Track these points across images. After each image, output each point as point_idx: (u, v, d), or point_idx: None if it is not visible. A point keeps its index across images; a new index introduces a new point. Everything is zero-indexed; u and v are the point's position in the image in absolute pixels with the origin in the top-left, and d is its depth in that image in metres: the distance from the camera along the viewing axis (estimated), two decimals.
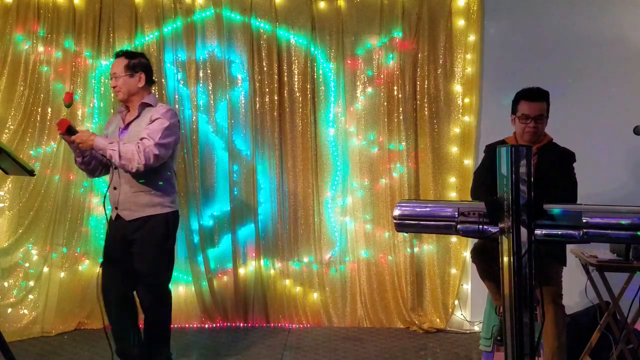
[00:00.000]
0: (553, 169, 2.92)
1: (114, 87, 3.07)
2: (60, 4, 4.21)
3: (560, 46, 4.10)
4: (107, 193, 3.09)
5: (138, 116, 3.04)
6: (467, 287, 4.27)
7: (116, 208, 3.04)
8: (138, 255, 3.01)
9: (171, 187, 3.10)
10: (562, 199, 2.76)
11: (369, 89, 4.28)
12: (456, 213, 1.84)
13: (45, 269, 4.14)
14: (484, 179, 2.99)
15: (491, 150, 3.12)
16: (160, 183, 3.02)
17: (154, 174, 2.98)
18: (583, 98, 4.05)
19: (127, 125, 3.06)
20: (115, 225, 3.04)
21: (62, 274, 4.17)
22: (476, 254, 3.07)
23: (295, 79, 4.27)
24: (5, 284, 4.08)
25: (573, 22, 4.09)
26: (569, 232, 1.70)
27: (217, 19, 4.24)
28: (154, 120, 2.95)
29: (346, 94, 4.27)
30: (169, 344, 3.24)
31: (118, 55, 3.10)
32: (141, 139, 2.88)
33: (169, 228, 3.06)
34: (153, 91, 3.22)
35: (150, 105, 3.06)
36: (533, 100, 2.97)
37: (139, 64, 3.07)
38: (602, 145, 4.00)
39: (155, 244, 3.02)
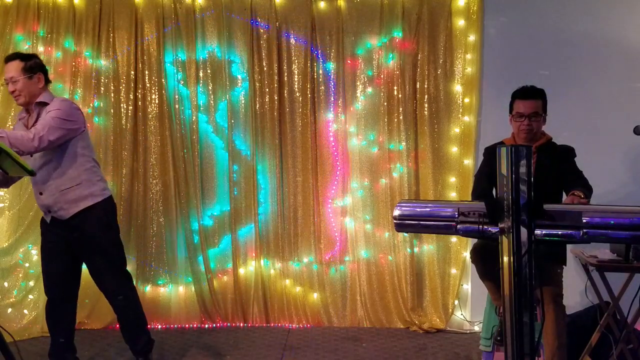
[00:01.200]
0: (554, 167, 2.93)
1: (12, 92, 2.95)
2: (60, 4, 4.21)
3: (560, 46, 4.10)
4: (36, 201, 3.04)
5: (38, 118, 2.96)
6: (467, 287, 4.27)
7: (49, 211, 3.02)
8: (88, 248, 3.05)
9: (96, 177, 3.09)
10: (585, 185, 2.78)
11: (369, 89, 4.28)
12: (456, 213, 1.84)
13: None
14: (484, 185, 3.00)
15: (490, 153, 3.13)
16: (84, 176, 3.01)
17: (74, 169, 2.97)
18: (583, 98, 4.05)
19: (33, 125, 2.93)
20: (53, 227, 3.03)
21: None
22: (476, 254, 3.07)
23: (295, 79, 4.27)
24: (5, 284, 4.08)
25: (573, 22, 4.09)
26: (569, 232, 1.70)
27: (217, 19, 4.24)
28: (46, 115, 2.89)
29: (346, 94, 4.27)
30: (147, 329, 3.30)
31: (10, 58, 2.98)
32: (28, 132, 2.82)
33: (107, 214, 3.10)
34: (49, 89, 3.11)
35: (46, 104, 2.98)
36: (526, 98, 2.98)
37: (35, 64, 3.00)
38: (602, 145, 4.00)
39: (100, 232, 3.06)
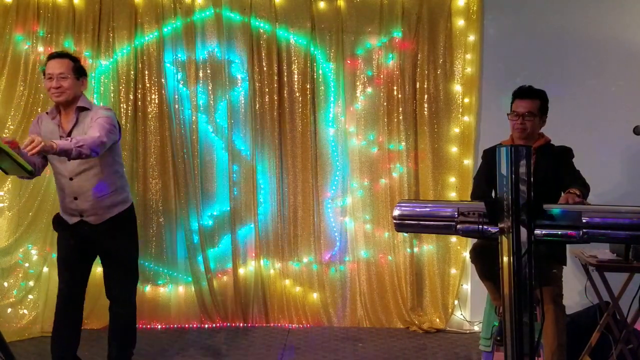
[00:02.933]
0: (553, 169, 2.93)
1: (56, 88, 2.89)
2: (60, 4, 4.21)
3: (560, 46, 4.10)
4: (62, 204, 3.03)
5: (77, 122, 2.96)
6: (467, 287, 4.27)
7: (81, 215, 3.01)
8: (111, 254, 3.12)
9: (126, 183, 3.20)
10: (583, 184, 2.78)
11: (369, 89, 4.28)
12: (456, 213, 1.83)
13: (45, 269, 4.15)
14: (484, 187, 3.00)
15: (489, 155, 3.13)
16: (118, 183, 3.08)
17: (110, 176, 3.02)
18: (583, 98, 4.05)
19: (69, 133, 2.94)
20: (76, 229, 3.03)
21: None
22: (475, 254, 3.07)
23: (295, 79, 4.27)
24: (5, 284, 4.08)
25: (573, 22, 4.09)
26: (569, 232, 1.70)
27: (217, 19, 4.24)
28: (97, 119, 2.89)
29: (346, 94, 4.27)
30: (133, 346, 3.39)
31: (61, 55, 2.97)
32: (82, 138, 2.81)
33: (132, 222, 3.22)
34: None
35: (87, 109, 2.98)
36: (523, 97, 3.01)
37: (82, 68, 3.03)
38: (601, 145, 4.00)
39: (127, 237, 3.18)
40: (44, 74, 2.96)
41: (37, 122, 3.05)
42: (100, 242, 3.08)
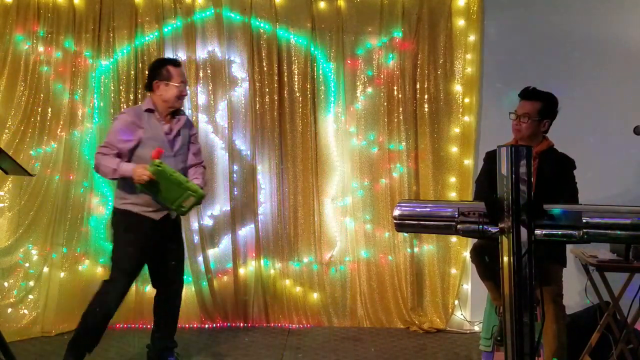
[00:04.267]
0: (553, 176, 2.91)
1: (184, 96, 3.23)
2: (60, 4, 4.21)
3: (560, 46, 4.10)
4: (154, 200, 3.13)
5: (180, 121, 3.26)
6: (467, 287, 4.27)
7: (167, 210, 3.19)
8: (178, 245, 3.39)
9: None
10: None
11: (369, 89, 4.28)
12: (456, 213, 1.83)
13: (45, 269, 4.14)
14: (486, 191, 2.99)
15: (490, 158, 3.12)
16: None
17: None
18: (583, 98, 4.04)
19: (177, 132, 3.23)
20: (157, 225, 3.19)
21: (62, 274, 4.17)
22: (476, 254, 3.07)
23: (295, 79, 4.27)
24: (5, 284, 4.07)
25: (573, 22, 4.09)
26: (569, 232, 1.70)
27: (217, 19, 4.24)
28: (194, 135, 3.39)
29: (346, 94, 4.27)
30: None
31: (178, 64, 3.24)
32: (201, 163, 3.41)
33: None
34: None
35: (182, 116, 3.30)
36: (522, 98, 3.02)
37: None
38: (601, 145, 4.00)
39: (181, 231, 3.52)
40: (176, 80, 3.15)
41: (137, 119, 3.13)
42: (172, 235, 3.30)
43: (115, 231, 3.24)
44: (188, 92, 3.24)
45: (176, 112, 3.25)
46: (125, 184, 3.11)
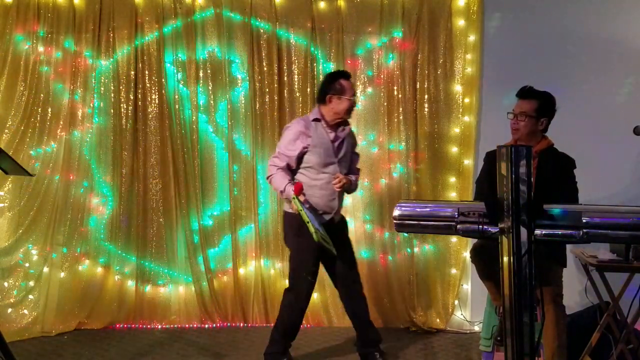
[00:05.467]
0: (553, 175, 2.91)
1: (354, 107, 3.40)
2: (60, 4, 4.21)
3: (560, 46, 4.09)
4: (322, 201, 3.32)
5: (345, 130, 3.40)
6: (467, 287, 4.27)
7: (334, 213, 3.38)
8: (346, 248, 3.48)
9: None
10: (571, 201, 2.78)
11: (369, 89, 4.28)
12: (456, 213, 1.83)
13: (45, 269, 4.15)
14: (487, 192, 2.99)
15: (491, 158, 3.12)
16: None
17: None
18: (583, 98, 4.03)
19: (342, 140, 3.38)
20: (329, 226, 3.33)
21: (62, 274, 4.17)
22: (476, 254, 3.07)
23: (295, 79, 4.27)
24: (5, 284, 4.08)
25: (573, 21, 4.09)
26: (569, 232, 1.70)
27: (217, 19, 4.24)
28: (355, 145, 3.56)
29: None
30: None
31: (348, 76, 3.39)
32: (358, 171, 3.60)
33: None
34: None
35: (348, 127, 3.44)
36: (519, 97, 3.03)
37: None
38: (601, 145, 4.00)
39: (348, 236, 3.62)
40: (348, 93, 3.31)
41: (306, 127, 3.32)
42: (339, 239, 3.35)
43: (288, 235, 3.47)
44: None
45: (342, 122, 3.37)
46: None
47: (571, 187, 2.95)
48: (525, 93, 3.01)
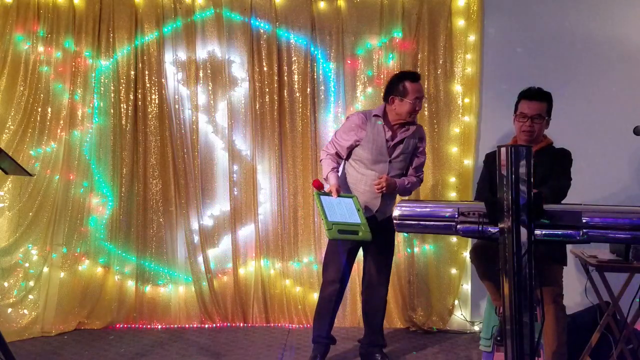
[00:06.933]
0: (549, 170, 2.91)
1: (417, 111, 3.30)
2: (60, 4, 4.21)
3: (560, 46, 4.09)
4: (364, 196, 3.30)
5: (408, 130, 3.33)
6: (467, 287, 4.27)
7: (375, 212, 3.34)
8: (381, 251, 3.44)
9: None
10: (553, 186, 2.77)
11: (369, 89, 4.28)
12: (456, 213, 1.84)
13: (45, 269, 4.15)
14: (487, 194, 2.99)
15: (491, 159, 3.12)
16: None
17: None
18: (583, 98, 4.04)
19: (400, 140, 3.32)
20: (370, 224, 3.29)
21: (62, 274, 4.17)
22: (475, 254, 3.07)
23: (295, 79, 4.27)
24: (5, 284, 4.08)
25: (573, 22, 4.09)
26: (569, 232, 1.70)
27: (217, 19, 4.24)
28: (421, 149, 3.41)
29: (346, 94, 4.26)
30: None
31: (416, 79, 3.29)
32: (418, 175, 3.45)
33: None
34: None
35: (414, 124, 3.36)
36: (531, 99, 2.98)
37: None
38: (601, 145, 4.00)
39: (393, 238, 3.55)
40: (411, 96, 3.24)
41: (363, 122, 3.32)
42: (378, 240, 3.26)
43: None
44: (422, 106, 3.34)
45: (406, 123, 3.32)
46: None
47: (564, 175, 2.93)
48: (539, 94, 2.99)
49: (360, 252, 3.57)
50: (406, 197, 3.51)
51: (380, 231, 3.25)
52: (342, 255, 3.37)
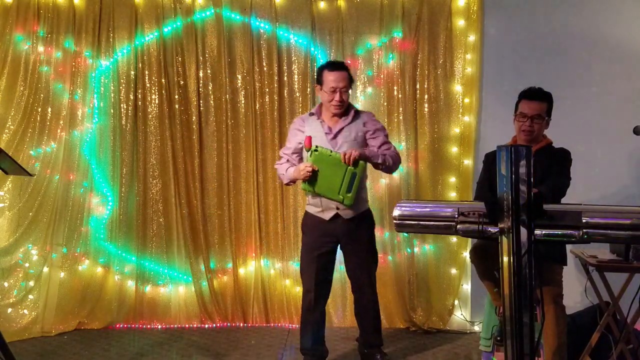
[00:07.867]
0: (547, 170, 2.91)
1: (337, 101, 3.15)
2: (60, 4, 4.21)
3: (560, 46, 4.09)
4: (321, 198, 3.21)
5: (347, 118, 3.24)
6: (467, 287, 4.27)
7: (337, 209, 3.21)
8: (359, 251, 3.33)
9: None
10: (552, 185, 2.77)
11: (369, 89, 4.28)
12: (456, 213, 1.84)
13: (45, 269, 4.15)
14: (487, 194, 2.98)
15: (490, 159, 3.11)
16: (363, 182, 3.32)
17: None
18: (583, 98, 4.04)
19: (339, 131, 3.22)
20: (330, 226, 3.26)
21: (62, 274, 4.17)
22: (475, 254, 3.07)
23: (295, 79, 4.26)
24: (5, 284, 4.08)
25: (573, 22, 4.09)
26: (569, 232, 1.70)
27: (217, 19, 4.24)
28: (372, 131, 3.25)
29: None
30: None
31: (335, 67, 3.18)
32: (388, 149, 3.25)
33: (374, 220, 3.46)
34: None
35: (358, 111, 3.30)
36: (531, 99, 2.98)
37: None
38: (601, 145, 4.00)
39: (370, 234, 3.40)
40: (326, 86, 3.15)
41: (303, 124, 3.30)
42: (351, 240, 3.27)
43: (303, 236, 3.42)
44: (346, 96, 3.18)
45: (346, 112, 3.24)
46: None
47: (563, 174, 2.93)
48: (540, 95, 2.98)
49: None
50: (390, 173, 3.54)
51: (351, 230, 3.24)
52: (312, 263, 3.29)
